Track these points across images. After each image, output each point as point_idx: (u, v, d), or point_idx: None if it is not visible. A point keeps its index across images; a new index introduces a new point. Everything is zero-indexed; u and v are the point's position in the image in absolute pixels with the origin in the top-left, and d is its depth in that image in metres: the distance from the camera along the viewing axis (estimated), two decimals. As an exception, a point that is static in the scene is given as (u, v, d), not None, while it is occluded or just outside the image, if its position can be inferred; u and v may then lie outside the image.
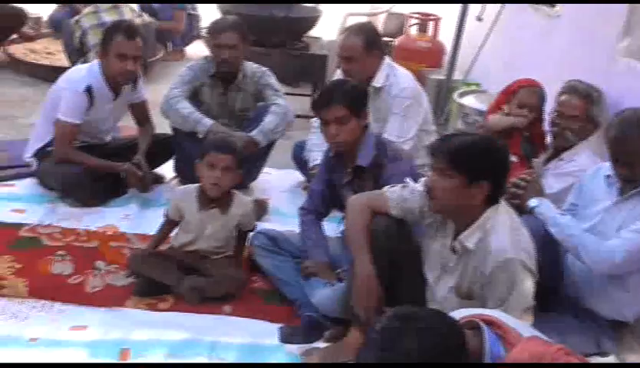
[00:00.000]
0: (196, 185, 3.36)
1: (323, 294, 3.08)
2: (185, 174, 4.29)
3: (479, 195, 2.50)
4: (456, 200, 2.51)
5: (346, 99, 3.12)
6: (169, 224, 3.44)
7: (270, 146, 4.29)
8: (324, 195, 3.45)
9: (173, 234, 3.47)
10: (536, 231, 2.72)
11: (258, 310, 3.22)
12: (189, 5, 7.29)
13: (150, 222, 3.76)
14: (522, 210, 2.97)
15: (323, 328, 3.04)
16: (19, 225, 3.73)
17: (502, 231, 2.49)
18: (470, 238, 2.55)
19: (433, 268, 2.74)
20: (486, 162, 2.51)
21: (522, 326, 2.02)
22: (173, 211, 3.38)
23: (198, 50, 7.22)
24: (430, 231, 2.75)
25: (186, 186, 3.51)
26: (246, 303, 3.26)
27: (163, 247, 3.48)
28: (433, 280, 2.74)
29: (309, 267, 3.21)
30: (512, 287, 2.45)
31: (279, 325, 3.12)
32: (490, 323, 1.89)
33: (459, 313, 1.98)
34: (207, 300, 3.23)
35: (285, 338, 3.03)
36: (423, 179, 2.77)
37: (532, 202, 3.05)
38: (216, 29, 4.14)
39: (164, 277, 3.25)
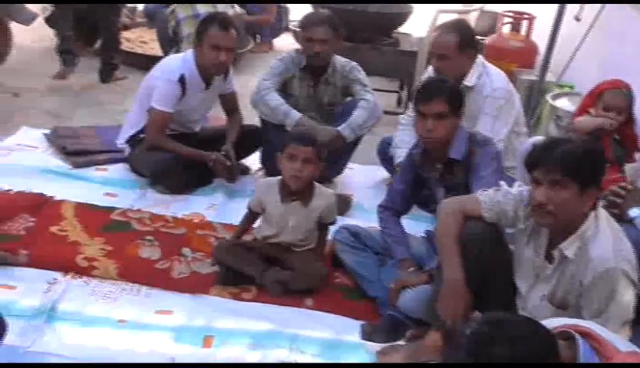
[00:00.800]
0: (279, 177, 3.38)
1: (406, 296, 3.05)
2: (271, 166, 4.31)
3: (588, 202, 2.41)
4: (572, 211, 2.41)
5: (448, 95, 3.09)
6: (252, 215, 3.47)
7: (356, 141, 4.29)
8: (405, 194, 3.42)
9: (256, 225, 3.50)
10: (636, 242, 2.62)
11: (339, 306, 3.23)
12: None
13: (235, 213, 3.80)
14: (620, 219, 2.87)
15: (405, 327, 3.03)
16: (111, 209, 3.85)
17: (603, 240, 2.40)
18: (569, 247, 2.46)
19: (525, 276, 2.67)
20: (595, 167, 2.42)
21: (619, 339, 1.96)
22: (256, 203, 3.41)
23: (286, 42, 7.28)
24: (521, 237, 2.68)
25: (268, 179, 3.54)
26: (328, 298, 3.27)
27: (247, 237, 3.52)
28: (525, 288, 2.67)
29: (396, 283, 3.12)
30: (612, 298, 2.35)
31: (361, 322, 3.13)
32: (585, 334, 1.84)
33: (552, 323, 1.92)
34: (289, 293, 3.26)
35: (367, 336, 3.03)
36: (518, 185, 2.71)
37: (633, 212, 2.93)
38: (308, 23, 4.15)
39: (248, 268, 3.29)
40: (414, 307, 3.01)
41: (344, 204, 4.09)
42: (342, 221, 3.80)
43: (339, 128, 4.07)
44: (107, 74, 5.84)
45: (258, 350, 2.91)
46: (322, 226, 3.45)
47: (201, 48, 3.99)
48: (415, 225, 3.81)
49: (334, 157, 4.17)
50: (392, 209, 3.43)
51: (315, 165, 3.24)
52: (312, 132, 3.41)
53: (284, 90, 4.22)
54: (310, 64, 4.18)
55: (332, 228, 3.53)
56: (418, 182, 3.41)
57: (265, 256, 3.36)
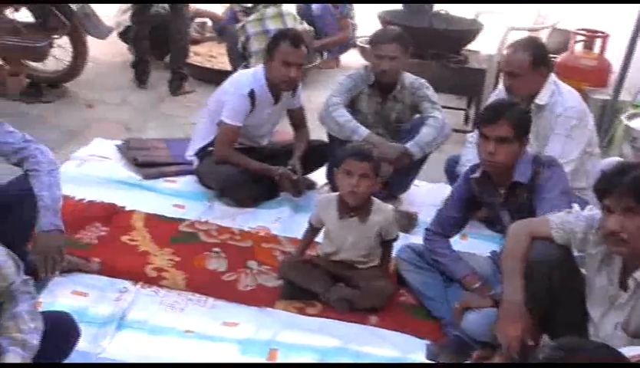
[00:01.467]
0: (337, 193, 3.38)
1: (472, 318, 3.01)
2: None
3: None
4: None
5: (514, 120, 3.04)
6: (313, 230, 3.49)
7: (424, 158, 4.27)
8: (457, 222, 3.40)
9: (319, 239, 3.51)
10: None
11: (404, 324, 3.21)
12: (349, 7, 7.30)
13: (300, 227, 3.80)
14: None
15: (470, 349, 2.99)
16: (179, 220, 3.92)
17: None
18: None
19: (598, 304, 2.58)
20: None
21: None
22: (316, 218, 3.43)
23: (352, 58, 7.30)
24: (592, 262, 2.59)
25: (327, 194, 3.57)
26: (393, 316, 3.26)
27: (311, 252, 3.54)
28: (597, 314, 2.58)
29: (461, 303, 3.07)
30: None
31: (426, 341, 3.11)
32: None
33: (629, 351, 1.88)
34: (355, 310, 3.26)
35: (432, 356, 3.01)
36: (589, 208, 2.66)
37: None
38: (378, 40, 4.17)
39: (313, 285, 3.30)
40: (477, 329, 2.96)
41: (409, 221, 4.07)
42: (407, 239, 3.80)
43: (407, 145, 4.07)
44: (176, 86, 5.96)
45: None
46: (385, 243, 3.43)
47: (271, 64, 4.05)
48: (480, 244, 3.78)
49: (400, 174, 4.17)
50: (441, 234, 3.40)
51: (371, 180, 3.23)
52: (369, 147, 3.39)
53: (352, 106, 4.24)
54: (379, 80, 4.19)
55: (396, 246, 3.52)
56: (473, 206, 3.37)
57: (330, 273, 3.37)
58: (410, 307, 3.34)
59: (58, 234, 2.95)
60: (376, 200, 3.37)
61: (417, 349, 3.06)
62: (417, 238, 3.78)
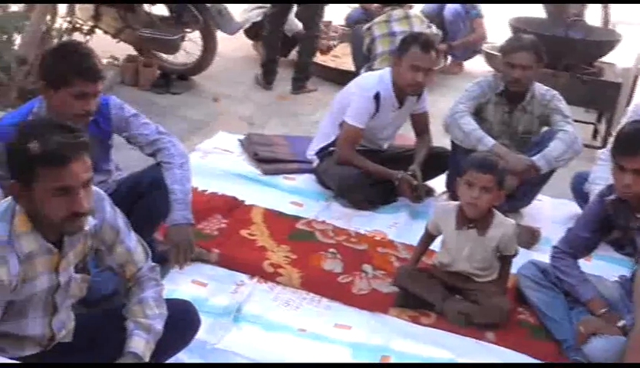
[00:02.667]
0: (457, 202, 3.33)
1: (596, 344, 2.89)
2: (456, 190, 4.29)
3: None
4: None
5: None
6: (429, 237, 3.44)
7: (550, 173, 4.14)
8: (589, 243, 3.26)
9: (435, 246, 3.46)
10: None
11: (522, 344, 3.12)
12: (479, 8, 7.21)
13: (417, 233, 3.74)
14: None
15: (592, 376, 2.89)
16: (297, 218, 3.97)
17: None
18: None
19: None
20: None
21: None
22: (433, 225, 3.39)
23: (476, 64, 7.19)
24: None
25: (446, 203, 3.51)
26: (511, 334, 3.17)
27: (426, 259, 3.51)
28: None
29: (589, 323, 2.98)
30: None
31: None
32: None
33: None
34: (470, 324, 3.20)
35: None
36: None
37: None
38: (511, 47, 4.07)
39: (429, 295, 3.26)
40: (602, 357, 2.85)
41: (531, 237, 3.97)
42: (528, 255, 3.71)
43: (534, 158, 3.96)
44: (299, 85, 6.04)
45: (435, 378, 2.90)
46: (504, 258, 3.33)
47: (399, 67, 4.03)
48: (606, 266, 3.65)
49: (524, 188, 4.07)
50: (571, 255, 3.27)
51: (494, 193, 3.15)
52: (494, 159, 3.31)
53: (478, 114, 4.17)
54: (508, 89, 4.10)
55: (517, 262, 3.43)
56: (606, 227, 3.24)
57: (446, 284, 3.32)
58: (531, 327, 3.24)
59: (189, 227, 3.06)
60: (497, 213, 3.29)
61: (534, 371, 2.99)
62: (538, 255, 3.69)
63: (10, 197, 2.19)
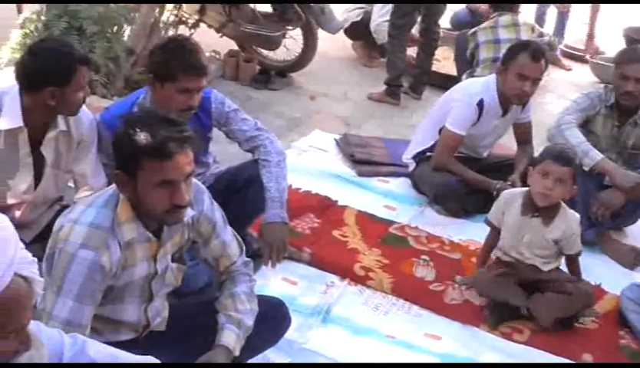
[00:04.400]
0: (525, 189, 3.29)
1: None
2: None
3: None
4: None
5: None
6: (494, 231, 3.38)
7: (660, 192, 3.97)
8: None
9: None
10: None
11: (623, 368, 3.03)
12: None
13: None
14: None
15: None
16: (390, 222, 3.94)
17: None
18: None
19: None
20: None
21: None
22: (495, 215, 3.34)
23: (583, 75, 6.98)
24: None
25: (511, 190, 3.48)
26: (611, 358, 3.07)
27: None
28: None
29: None
30: None
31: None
32: None
33: None
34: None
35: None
36: None
37: None
38: (626, 59, 3.92)
39: (512, 298, 3.19)
40: None
41: (635, 257, 3.84)
42: (632, 276, 3.62)
43: (647, 175, 3.82)
44: (421, 90, 5.98)
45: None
46: (569, 258, 3.30)
47: (505, 75, 3.94)
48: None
49: (631, 205, 3.92)
50: None
51: (567, 186, 3.13)
52: (572, 153, 3.33)
53: (585, 126, 4.03)
54: (619, 102, 3.95)
55: (620, 282, 3.35)
56: None
57: (520, 281, 3.24)
58: (632, 352, 3.13)
59: (283, 226, 3.08)
60: (565, 206, 3.24)
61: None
62: (641, 277, 3.57)
63: (114, 185, 2.26)
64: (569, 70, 7.16)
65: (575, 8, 7.53)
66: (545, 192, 3.12)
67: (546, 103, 5.73)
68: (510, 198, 3.32)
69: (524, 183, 4.03)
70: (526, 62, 3.86)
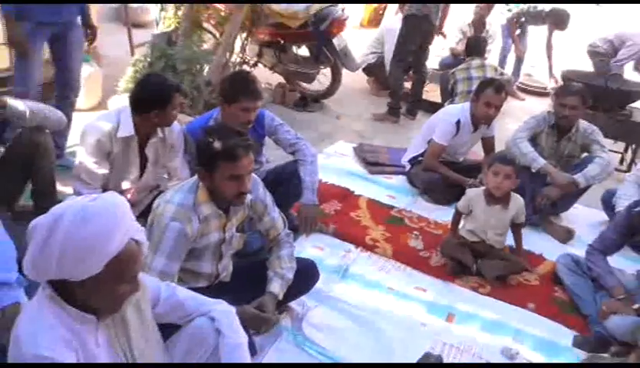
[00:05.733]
0: (483, 187, 3.31)
1: (614, 320, 2.71)
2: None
3: None
4: None
5: None
6: (459, 215, 3.37)
7: (586, 188, 3.88)
8: (616, 243, 3.06)
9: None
10: None
11: (556, 314, 2.97)
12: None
13: None
14: None
15: (610, 344, 2.69)
16: (391, 207, 3.90)
17: None
18: None
19: None
20: None
21: None
22: (464, 205, 3.32)
23: (533, 104, 6.85)
24: None
25: (475, 189, 3.41)
26: (548, 306, 3.02)
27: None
28: None
29: (611, 304, 2.80)
30: None
31: (573, 332, 2.84)
32: None
33: None
34: (512, 298, 3.05)
35: (577, 345, 2.75)
36: None
37: None
38: (564, 92, 3.86)
39: (463, 258, 3.17)
40: (619, 330, 2.67)
41: (567, 234, 3.77)
42: (565, 248, 3.55)
43: (575, 176, 3.73)
44: (414, 112, 5.88)
45: (487, 333, 2.78)
46: (516, 226, 3.31)
47: (476, 103, 3.88)
48: (625, 261, 3.40)
49: (565, 197, 3.85)
50: (601, 252, 3.06)
51: (512, 180, 3.17)
52: (511, 153, 3.42)
53: (533, 140, 3.94)
54: (558, 123, 3.88)
55: (556, 252, 3.31)
56: (632, 233, 3.01)
57: (474, 252, 3.22)
58: (563, 302, 3.08)
59: (314, 207, 3.08)
60: (513, 193, 3.26)
61: (564, 337, 2.82)
62: (572, 249, 3.51)
63: (195, 176, 2.26)
64: (523, 100, 7.05)
65: (529, 53, 7.42)
66: (498, 186, 3.15)
67: (506, 124, 5.63)
68: (475, 195, 3.29)
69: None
70: (491, 94, 3.80)
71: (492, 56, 6.65)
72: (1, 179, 2.71)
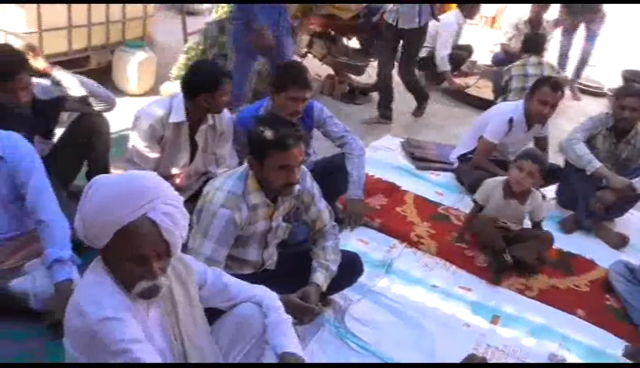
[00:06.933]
0: (504, 178, 3.27)
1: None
2: (564, 199, 3.99)
3: None
4: None
5: None
6: (477, 207, 3.34)
7: (643, 194, 3.75)
8: None
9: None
10: None
11: (607, 323, 2.87)
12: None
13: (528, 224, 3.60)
14: None
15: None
16: (438, 204, 3.85)
17: None
18: None
19: None
20: None
21: None
22: (482, 197, 3.30)
23: (590, 105, 6.62)
24: None
25: (494, 178, 3.38)
26: (598, 314, 2.93)
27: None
28: None
29: None
30: None
31: (624, 342, 2.75)
32: None
33: None
34: (561, 303, 2.97)
35: (628, 355, 2.66)
36: None
37: None
38: (623, 92, 3.72)
39: (493, 240, 3.13)
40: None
41: (621, 241, 3.64)
42: (618, 255, 3.44)
43: (633, 181, 3.60)
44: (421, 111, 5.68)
45: (533, 338, 2.72)
46: (536, 224, 3.28)
47: (531, 100, 3.78)
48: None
49: (620, 202, 3.72)
50: None
51: (536, 178, 3.13)
52: (538, 151, 3.33)
53: (589, 142, 3.83)
54: (617, 125, 3.74)
55: (608, 258, 3.20)
56: None
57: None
58: (615, 311, 2.99)
59: (360, 202, 3.07)
60: (534, 190, 3.24)
61: (614, 346, 2.73)
62: (626, 256, 3.40)
63: (245, 165, 2.28)
64: (579, 100, 6.83)
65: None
66: (520, 181, 3.13)
67: (560, 124, 5.47)
68: (493, 187, 3.29)
69: (562, 195, 3.93)
70: (547, 91, 3.69)
71: (548, 54, 6.45)
72: (59, 159, 2.80)
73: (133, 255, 1.50)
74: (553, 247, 3.33)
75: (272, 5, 3.77)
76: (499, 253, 3.10)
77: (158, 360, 1.51)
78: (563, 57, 6.78)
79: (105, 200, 1.48)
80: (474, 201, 3.37)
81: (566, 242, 3.56)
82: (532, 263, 3.12)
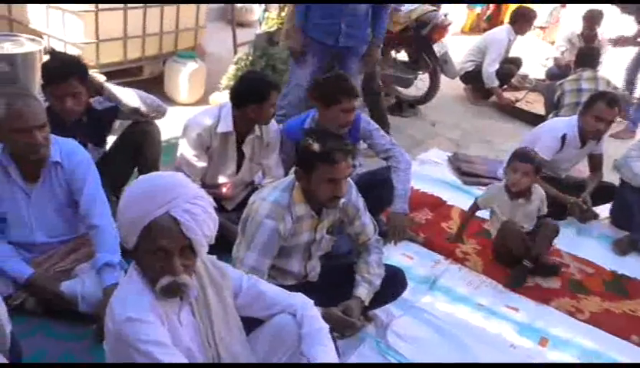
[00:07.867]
0: (503, 183, 3.31)
1: None
2: (619, 218, 3.85)
3: None
4: None
5: None
6: (476, 208, 3.39)
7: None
8: None
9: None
10: None
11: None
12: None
13: (582, 246, 3.57)
14: None
15: None
16: (484, 220, 3.70)
17: None
18: None
19: None
20: None
21: None
22: (485, 202, 3.35)
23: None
24: None
25: (495, 184, 3.46)
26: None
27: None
28: None
29: None
30: None
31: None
32: None
33: None
34: (614, 327, 2.86)
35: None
36: None
37: None
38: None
39: (519, 248, 3.13)
40: None
41: None
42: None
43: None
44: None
45: (584, 362, 2.61)
46: (541, 219, 3.29)
47: (585, 116, 3.66)
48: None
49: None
50: None
51: (531, 177, 3.17)
52: (533, 153, 3.27)
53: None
54: (678, 144, 3.59)
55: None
56: None
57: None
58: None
59: (405, 216, 3.02)
60: (536, 186, 3.29)
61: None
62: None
63: (291, 176, 2.29)
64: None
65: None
66: (515, 182, 3.17)
67: (615, 141, 5.29)
68: (497, 192, 3.31)
69: (593, 201, 3.77)
70: (602, 107, 3.57)
71: (603, 68, 6.25)
72: (111, 165, 2.87)
73: (155, 248, 1.53)
74: (607, 269, 3.20)
75: (332, 20, 3.71)
76: (521, 259, 3.12)
77: (182, 361, 1.53)
78: (629, 84, 6.19)
79: (131, 198, 1.57)
80: (475, 202, 3.38)
81: (621, 264, 3.44)
82: (552, 263, 3.21)
